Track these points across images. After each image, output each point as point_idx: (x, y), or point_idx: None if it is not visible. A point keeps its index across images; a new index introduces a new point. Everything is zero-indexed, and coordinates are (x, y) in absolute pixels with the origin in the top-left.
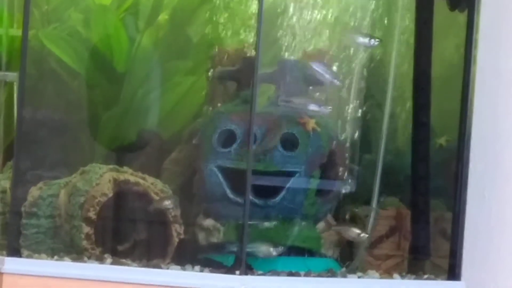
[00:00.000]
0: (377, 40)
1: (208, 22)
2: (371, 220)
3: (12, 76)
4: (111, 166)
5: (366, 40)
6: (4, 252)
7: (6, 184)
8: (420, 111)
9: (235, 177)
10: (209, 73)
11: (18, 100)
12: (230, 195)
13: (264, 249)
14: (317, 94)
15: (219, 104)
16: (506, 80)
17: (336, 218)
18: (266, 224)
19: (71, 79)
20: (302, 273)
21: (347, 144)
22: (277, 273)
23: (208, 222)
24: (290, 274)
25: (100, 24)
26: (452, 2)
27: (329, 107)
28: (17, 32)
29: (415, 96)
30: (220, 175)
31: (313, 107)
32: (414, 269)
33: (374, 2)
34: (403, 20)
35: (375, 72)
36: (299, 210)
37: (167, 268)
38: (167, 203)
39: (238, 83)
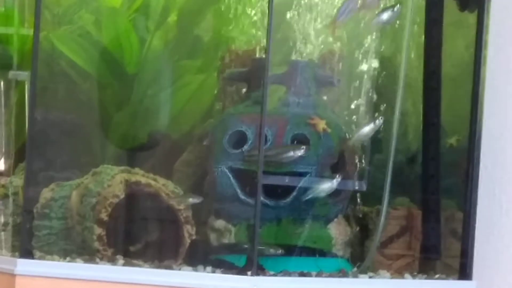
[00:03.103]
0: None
1: (218, 21)
2: (382, 219)
3: (24, 75)
4: (122, 168)
5: (389, 12)
6: (17, 254)
7: (19, 185)
8: (430, 111)
9: (246, 178)
10: (219, 75)
11: (29, 102)
12: (241, 196)
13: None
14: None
15: (229, 106)
16: None
17: (346, 218)
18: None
19: (82, 80)
20: (313, 273)
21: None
22: (289, 274)
23: (219, 223)
24: (302, 274)
25: (110, 25)
26: (461, 3)
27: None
28: (28, 32)
29: (425, 96)
30: (231, 176)
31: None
32: (425, 268)
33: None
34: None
35: (385, 70)
36: (310, 211)
37: (179, 269)
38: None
39: (248, 84)
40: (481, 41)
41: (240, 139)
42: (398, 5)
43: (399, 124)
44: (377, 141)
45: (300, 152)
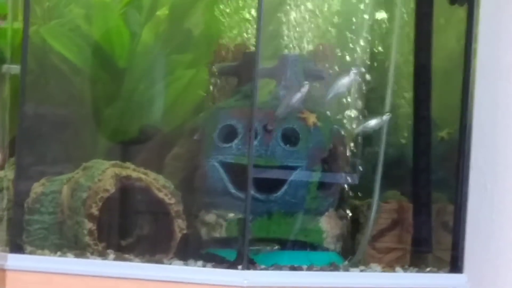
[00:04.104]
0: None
1: (209, 14)
2: (373, 213)
3: (17, 68)
4: (113, 162)
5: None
6: (7, 249)
7: (9, 180)
8: (421, 104)
9: (236, 172)
10: (210, 68)
11: (20, 96)
12: (232, 190)
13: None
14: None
15: (220, 100)
16: (507, 73)
17: (337, 211)
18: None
19: (73, 75)
20: (304, 267)
21: (349, 137)
22: (280, 268)
23: (210, 217)
24: (293, 268)
25: (101, 19)
26: None
27: None
28: (20, 25)
29: (415, 90)
30: (221, 171)
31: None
32: (416, 262)
33: None
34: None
35: (376, 63)
36: (301, 205)
37: (170, 264)
38: None
39: (239, 78)
40: (471, 34)
41: (230, 133)
42: (353, 70)
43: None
44: (368, 134)
45: (305, 89)
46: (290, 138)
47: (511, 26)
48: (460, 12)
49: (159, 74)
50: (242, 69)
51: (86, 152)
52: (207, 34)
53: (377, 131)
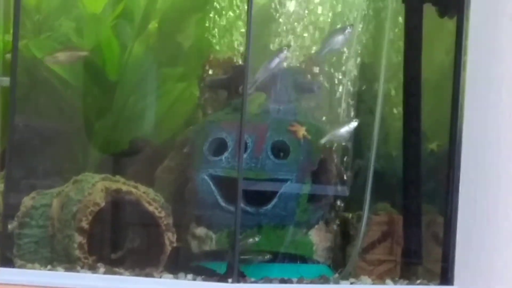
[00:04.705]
0: (349, 26)
1: (199, 28)
2: (363, 225)
3: (7, 81)
4: (103, 175)
5: (342, 35)
6: None
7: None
8: (411, 117)
9: (226, 186)
10: (200, 82)
11: (10, 110)
12: (222, 203)
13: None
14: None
15: (210, 112)
16: (496, 86)
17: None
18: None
19: (63, 87)
20: (294, 280)
21: (339, 150)
22: (270, 280)
23: (200, 231)
24: (283, 281)
25: (91, 32)
26: (441, 9)
27: None
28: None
29: (405, 102)
30: (211, 184)
31: None
32: (407, 274)
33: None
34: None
35: (366, 76)
36: (291, 217)
37: (160, 277)
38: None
39: (228, 91)
40: (461, 47)
41: (220, 146)
42: (348, 28)
43: (379, 129)
44: (358, 147)
45: (283, 54)
46: (280, 151)
47: (500, 39)
48: (450, 24)
49: (150, 87)
50: (232, 82)
51: (77, 165)
52: (197, 48)
53: (367, 143)
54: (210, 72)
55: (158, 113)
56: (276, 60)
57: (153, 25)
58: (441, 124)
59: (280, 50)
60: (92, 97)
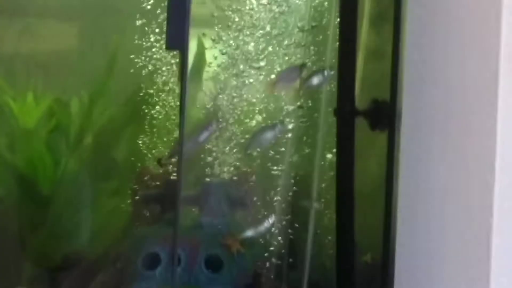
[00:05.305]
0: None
1: (132, 143)
2: None
3: None
4: None
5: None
6: None
7: None
8: (344, 229)
9: None
10: (134, 196)
11: None
12: None
13: None
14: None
15: (143, 227)
16: (428, 197)
17: None
18: None
19: None
20: None
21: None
22: None
23: None
24: None
25: (24, 147)
26: (372, 122)
27: None
28: None
29: (338, 213)
30: None
31: None
32: None
33: None
34: None
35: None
36: None
37: None
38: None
39: (162, 206)
40: (393, 158)
41: (153, 261)
42: (328, 70)
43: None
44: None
45: (212, 127)
46: (214, 264)
47: (432, 151)
48: (381, 138)
49: (83, 202)
50: (165, 197)
51: (9, 280)
52: (130, 161)
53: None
54: (141, 184)
55: (92, 228)
56: (205, 134)
57: (87, 140)
58: (374, 235)
59: (209, 123)
60: (25, 212)
